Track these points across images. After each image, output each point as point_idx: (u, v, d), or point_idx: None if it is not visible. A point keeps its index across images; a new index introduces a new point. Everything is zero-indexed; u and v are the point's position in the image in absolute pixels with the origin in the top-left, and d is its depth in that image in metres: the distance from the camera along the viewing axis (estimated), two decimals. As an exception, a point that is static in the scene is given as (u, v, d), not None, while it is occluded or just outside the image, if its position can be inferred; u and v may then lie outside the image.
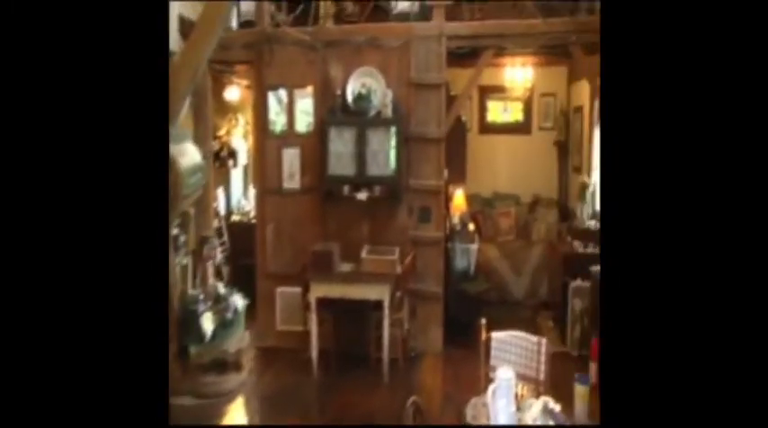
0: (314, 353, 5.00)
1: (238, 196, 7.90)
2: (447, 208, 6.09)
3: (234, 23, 5.74)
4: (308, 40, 5.35)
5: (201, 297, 3.54)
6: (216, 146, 6.87)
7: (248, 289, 5.41)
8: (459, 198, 6.46)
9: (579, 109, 6.88)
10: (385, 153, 5.21)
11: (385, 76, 5.29)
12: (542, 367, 3.23)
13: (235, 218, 7.49)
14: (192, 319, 3.49)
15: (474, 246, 6.27)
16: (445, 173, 5.61)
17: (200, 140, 5.09)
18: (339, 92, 5.33)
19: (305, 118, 5.59)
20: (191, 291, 4.35)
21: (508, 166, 7.52)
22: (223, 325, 3.55)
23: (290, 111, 5.58)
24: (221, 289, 3.76)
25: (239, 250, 6.85)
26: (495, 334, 3.41)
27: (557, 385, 3.64)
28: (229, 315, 3.56)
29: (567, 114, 7.33)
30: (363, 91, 5.28)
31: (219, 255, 6.65)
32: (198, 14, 3.45)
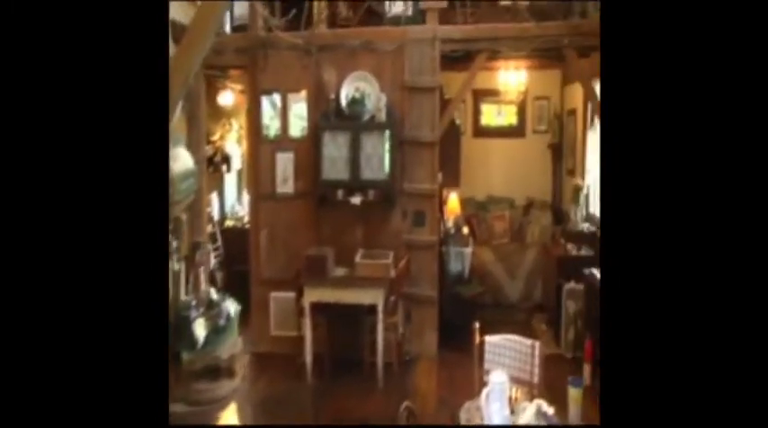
0: (308, 358, 4.98)
1: (232, 201, 7.88)
2: (441, 211, 6.10)
3: (227, 28, 5.74)
4: (302, 44, 5.35)
5: (194, 303, 3.52)
6: (209, 151, 6.86)
7: (242, 295, 5.38)
8: (453, 201, 6.47)
9: (573, 112, 6.90)
10: (379, 157, 5.20)
11: (379, 80, 5.30)
12: (536, 370, 3.23)
13: (228, 223, 7.47)
14: (183, 325, 3.47)
15: (468, 250, 6.28)
16: (439, 176, 5.61)
17: (193, 145, 5.07)
18: (333, 96, 5.32)
19: (299, 122, 5.59)
20: (183, 297, 4.33)
21: (502, 170, 7.54)
22: (216, 331, 3.53)
23: (284, 115, 5.57)
24: (214, 294, 3.75)
25: (233, 255, 6.83)
26: (489, 338, 3.41)
27: (551, 387, 3.64)
28: (222, 321, 3.54)
29: (561, 117, 7.36)
30: (357, 95, 5.28)
31: (213, 261, 6.63)
32: (190, 18, 3.45)
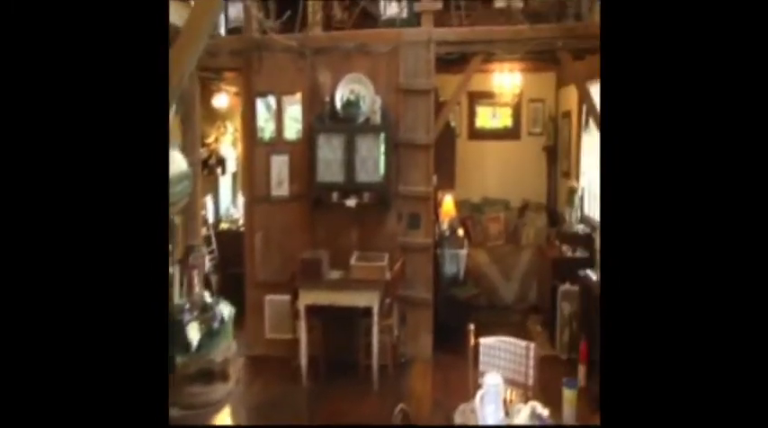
0: (303, 361, 4.97)
1: (227, 204, 7.87)
2: (436, 214, 6.10)
3: (222, 30, 5.74)
4: (297, 46, 5.35)
5: (187, 306, 3.50)
6: (204, 153, 6.85)
7: (237, 298, 5.38)
8: (448, 203, 6.47)
9: (567, 114, 6.92)
10: (374, 159, 5.20)
11: (374, 83, 5.30)
12: (531, 371, 3.23)
13: (223, 226, 7.45)
14: (177, 329, 3.45)
15: (463, 252, 6.28)
16: (434, 179, 5.61)
17: (188, 148, 5.06)
18: (328, 98, 5.33)
19: (294, 125, 5.58)
20: (177, 301, 4.31)
21: (497, 172, 7.55)
22: (209, 335, 3.52)
23: (279, 118, 5.57)
24: (208, 298, 3.73)
25: (228, 258, 6.81)
26: (484, 340, 3.41)
27: (546, 388, 3.65)
28: (216, 324, 3.53)
29: (556, 119, 7.37)
30: (352, 97, 5.28)
31: (208, 264, 6.61)
32: (184, 20, 3.44)
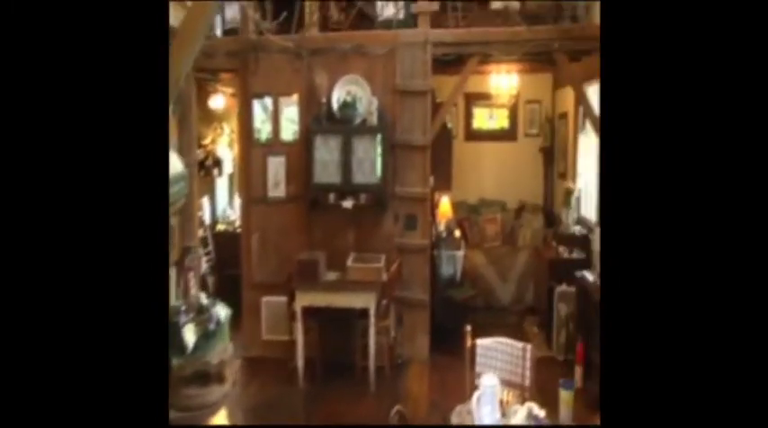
0: (300, 363, 4.96)
1: (224, 205, 7.86)
2: (433, 215, 6.10)
3: (218, 31, 5.73)
4: (293, 47, 5.34)
5: (183, 308, 3.49)
6: (201, 154, 6.84)
7: (234, 299, 5.35)
8: (445, 205, 6.47)
9: (564, 115, 6.93)
10: (370, 160, 5.20)
11: (370, 84, 5.30)
12: (527, 372, 3.23)
13: (220, 227, 7.44)
14: (173, 331, 3.44)
15: (460, 253, 6.28)
16: (431, 180, 5.61)
17: (184, 149, 5.04)
18: (324, 100, 5.32)
19: (290, 126, 5.58)
20: (173, 303, 4.30)
21: (494, 173, 7.56)
22: (206, 337, 3.50)
23: (276, 119, 5.56)
24: (204, 299, 3.72)
25: (224, 259, 6.80)
26: (481, 341, 3.41)
27: (543, 389, 3.65)
28: (212, 326, 3.51)
29: (552, 121, 7.39)
30: (349, 98, 5.28)
31: (205, 265, 6.60)
32: (179, 21, 3.43)
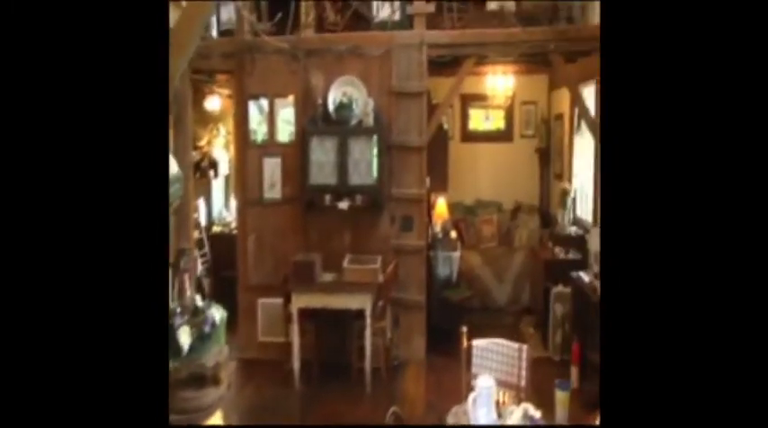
0: (296, 364, 4.95)
1: (219, 207, 7.84)
2: (429, 216, 6.10)
3: (214, 32, 5.72)
4: (289, 48, 5.34)
5: (178, 310, 3.47)
6: (196, 156, 6.82)
7: (230, 301, 5.34)
8: (441, 206, 6.47)
9: (560, 116, 6.95)
10: (367, 162, 5.20)
11: (366, 85, 5.30)
12: (523, 373, 3.23)
13: (216, 229, 7.43)
14: (168, 333, 3.43)
15: (456, 254, 6.28)
16: (427, 181, 5.62)
17: (179, 150, 5.02)
18: (320, 101, 5.32)
19: (286, 127, 5.58)
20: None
21: (490, 174, 7.56)
22: (201, 339, 3.48)
23: (272, 120, 5.56)
24: (199, 301, 3.70)
25: (220, 261, 6.79)
26: (477, 342, 3.41)
27: (539, 390, 3.65)
28: (207, 328, 3.49)
29: (548, 122, 7.40)
30: (345, 100, 5.28)
31: (200, 267, 6.58)
32: (174, 21, 3.42)
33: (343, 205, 5.21)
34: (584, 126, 5.72)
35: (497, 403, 2.90)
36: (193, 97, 5.85)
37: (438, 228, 6.30)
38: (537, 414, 2.68)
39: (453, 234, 6.50)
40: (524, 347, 3.31)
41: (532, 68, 6.89)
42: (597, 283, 4.47)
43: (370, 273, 5.04)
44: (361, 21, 5.64)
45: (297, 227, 5.49)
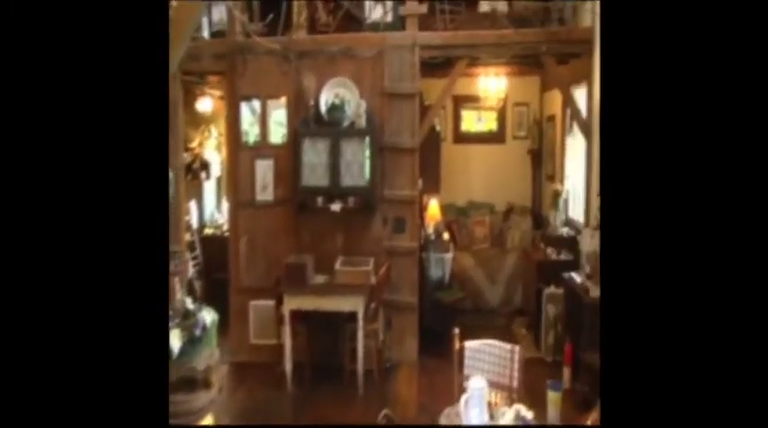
0: (288, 367, 4.93)
1: (211, 209, 7.80)
2: (421, 217, 6.10)
3: (205, 33, 5.70)
4: (281, 50, 5.32)
5: (169, 313, 3.45)
6: (188, 158, 6.79)
7: (221, 304, 5.31)
8: (433, 207, 6.47)
9: (552, 118, 6.97)
10: (359, 163, 5.18)
11: (358, 87, 5.29)
12: (516, 374, 3.23)
13: (207, 231, 7.39)
14: (160, 335, 3.41)
15: (449, 255, 6.28)
16: (419, 182, 5.61)
17: (171, 152, 4.98)
18: (312, 102, 5.30)
19: (278, 129, 5.56)
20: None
21: (482, 175, 7.57)
22: (191, 342, 3.47)
23: (264, 121, 5.54)
24: (190, 304, 3.68)
25: (212, 263, 6.75)
26: (469, 343, 3.40)
27: (531, 390, 3.65)
28: (198, 331, 3.48)
29: (540, 123, 7.42)
30: (337, 101, 5.27)
31: (192, 269, 6.54)
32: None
33: (336, 207, 5.19)
34: (575, 127, 5.74)
35: (489, 404, 2.89)
36: (185, 98, 5.84)
37: (430, 230, 6.30)
38: (529, 414, 2.68)
39: (446, 235, 6.50)
40: (516, 348, 3.31)
41: (524, 70, 6.91)
42: (589, 284, 4.48)
43: (362, 275, 5.03)
44: (354, 22, 5.63)
45: (289, 228, 5.47)
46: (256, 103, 5.55)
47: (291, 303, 4.91)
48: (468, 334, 3.61)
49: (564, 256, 5.64)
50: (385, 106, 5.39)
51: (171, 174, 3.62)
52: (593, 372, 4.09)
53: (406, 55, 5.35)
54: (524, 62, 6.22)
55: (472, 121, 7.74)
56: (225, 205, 7.22)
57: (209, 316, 3.73)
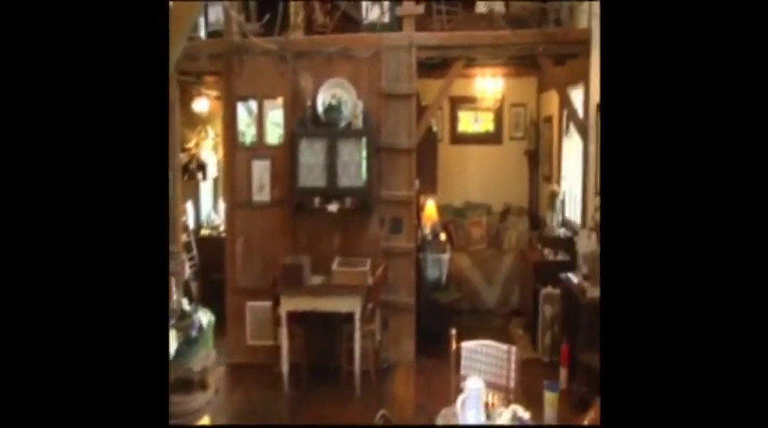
0: (285, 368, 4.92)
1: (208, 209, 7.79)
2: (418, 218, 6.10)
3: (201, 33, 5.69)
4: (278, 50, 5.31)
5: (167, 313, 3.46)
6: (184, 158, 6.78)
7: (218, 305, 5.30)
8: (430, 208, 6.47)
9: (549, 119, 6.98)
10: (356, 164, 5.18)
11: (355, 87, 5.29)
12: (512, 375, 3.23)
13: (204, 232, 7.38)
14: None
15: (446, 256, 6.28)
16: (416, 183, 5.61)
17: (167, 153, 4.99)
18: (309, 103, 5.30)
19: (275, 129, 5.55)
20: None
21: (479, 176, 7.58)
22: (187, 343, 3.46)
23: (260, 122, 5.53)
24: (186, 305, 3.68)
25: (209, 264, 6.74)
26: (466, 344, 3.40)
27: (528, 391, 3.65)
28: (194, 332, 3.47)
29: (537, 124, 7.43)
30: (334, 102, 5.27)
31: (188, 270, 6.53)
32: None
33: (333, 207, 5.19)
34: (572, 128, 5.75)
35: (486, 404, 2.89)
36: (181, 99, 5.82)
37: (427, 231, 6.30)
38: (526, 415, 2.68)
39: (443, 236, 6.50)
40: (513, 349, 3.31)
41: (521, 71, 6.92)
42: (586, 285, 4.48)
43: (359, 276, 5.03)
44: (351, 22, 5.63)
45: (286, 229, 5.46)
46: (253, 104, 5.55)
47: (288, 304, 4.90)
48: (465, 334, 3.61)
49: (561, 257, 5.64)
50: (382, 107, 5.39)
51: (169, 175, 3.61)
52: (591, 373, 4.10)
53: (403, 56, 5.36)
54: (521, 63, 6.23)
55: (469, 122, 7.75)
56: (221, 206, 7.21)
57: (205, 317, 3.73)
